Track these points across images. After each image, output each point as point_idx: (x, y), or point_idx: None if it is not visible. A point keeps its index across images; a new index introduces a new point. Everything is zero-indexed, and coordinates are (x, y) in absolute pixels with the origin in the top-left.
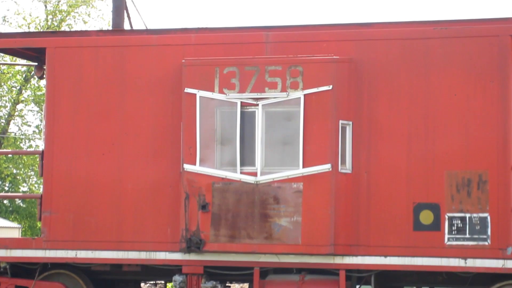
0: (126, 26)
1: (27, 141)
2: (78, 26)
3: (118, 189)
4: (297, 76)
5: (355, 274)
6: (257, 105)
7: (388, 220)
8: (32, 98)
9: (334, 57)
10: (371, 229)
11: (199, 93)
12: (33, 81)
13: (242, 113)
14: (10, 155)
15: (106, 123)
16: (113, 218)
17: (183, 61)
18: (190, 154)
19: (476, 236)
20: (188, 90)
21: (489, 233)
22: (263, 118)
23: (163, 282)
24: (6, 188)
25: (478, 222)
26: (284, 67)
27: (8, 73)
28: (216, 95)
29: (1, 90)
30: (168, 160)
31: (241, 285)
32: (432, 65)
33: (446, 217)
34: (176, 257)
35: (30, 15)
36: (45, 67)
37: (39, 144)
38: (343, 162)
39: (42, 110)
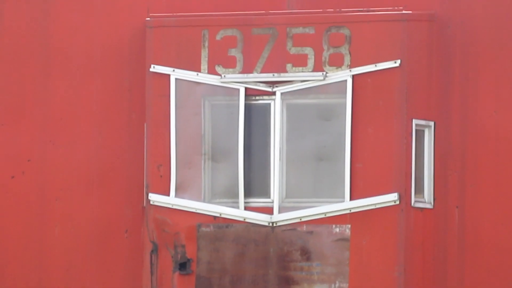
0: None
1: None
2: None
3: (39, 235)
4: (341, 45)
5: None
6: (274, 93)
7: (495, 281)
8: None
9: (405, 12)
10: None
11: (175, 74)
12: None
13: (248, 106)
14: None
15: (18, 125)
16: (30, 283)
17: (148, 19)
18: (159, 177)
19: None
20: (156, 68)
21: None
22: (284, 116)
23: None
24: None
25: None
26: (320, 30)
27: None
28: (203, 77)
29: None
30: (122, 187)
31: None
32: None
33: None
34: None
35: None
36: None
37: None
38: (419, 190)
39: None
